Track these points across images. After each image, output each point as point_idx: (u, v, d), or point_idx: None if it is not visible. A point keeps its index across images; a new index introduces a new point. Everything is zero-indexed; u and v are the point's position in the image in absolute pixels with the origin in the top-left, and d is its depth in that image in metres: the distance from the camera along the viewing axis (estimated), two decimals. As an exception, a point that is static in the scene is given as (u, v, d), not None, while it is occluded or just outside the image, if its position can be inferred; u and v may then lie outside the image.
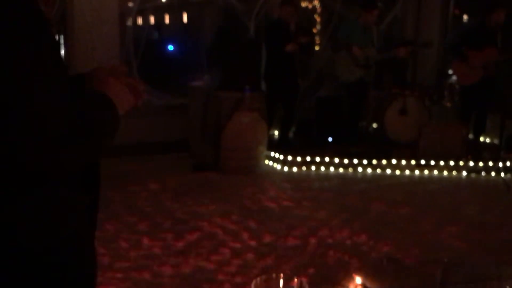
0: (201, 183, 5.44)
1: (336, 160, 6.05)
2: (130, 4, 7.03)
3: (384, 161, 6.03)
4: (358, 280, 1.21)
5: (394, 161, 6.02)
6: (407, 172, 5.99)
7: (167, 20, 11.20)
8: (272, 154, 6.19)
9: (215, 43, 7.20)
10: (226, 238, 4.03)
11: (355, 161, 6.05)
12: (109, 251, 3.70)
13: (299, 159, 6.05)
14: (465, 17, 8.73)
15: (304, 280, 0.81)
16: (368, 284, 1.18)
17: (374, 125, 7.15)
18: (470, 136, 6.44)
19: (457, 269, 1.34)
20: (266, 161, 6.18)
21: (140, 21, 8.81)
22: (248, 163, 5.81)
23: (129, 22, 7.07)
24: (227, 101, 5.82)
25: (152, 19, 10.56)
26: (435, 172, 5.98)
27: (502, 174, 5.89)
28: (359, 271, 1.25)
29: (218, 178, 5.62)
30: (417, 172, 5.98)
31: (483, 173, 5.95)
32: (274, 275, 0.81)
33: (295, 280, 0.81)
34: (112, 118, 1.12)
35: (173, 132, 6.48)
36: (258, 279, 0.81)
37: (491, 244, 3.98)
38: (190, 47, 9.10)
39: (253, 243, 3.96)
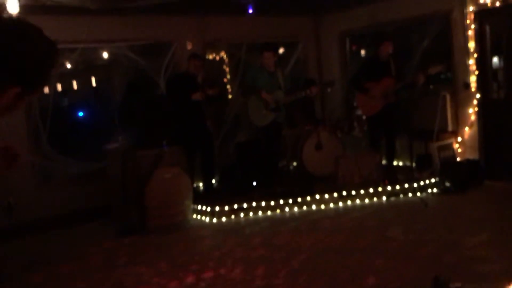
0: (130, 248, 5.24)
1: (263, 203, 6.10)
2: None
3: (308, 198, 6.17)
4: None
5: (317, 196, 6.18)
6: (332, 204, 6.17)
7: (75, 85, 10.94)
8: (199, 207, 6.13)
9: (126, 101, 7.14)
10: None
11: (281, 201, 6.14)
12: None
13: (226, 208, 6.04)
14: (362, 51, 9.36)
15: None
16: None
17: (294, 163, 7.34)
18: (384, 161, 6.79)
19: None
20: (194, 215, 6.10)
21: (46, 89, 8.56)
22: (175, 220, 5.71)
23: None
24: (145, 159, 5.75)
25: (59, 86, 10.27)
26: (357, 201, 6.21)
27: (418, 194, 6.24)
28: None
29: (146, 240, 5.45)
30: (340, 203, 6.18)
31: (401, 195, 6.27)
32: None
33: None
34: None
35: (93, 199, 6.25)
36: None
37: (417, 262, 4.17)
38: (101, 110, 8.94)
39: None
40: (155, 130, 6.24)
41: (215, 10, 7.08)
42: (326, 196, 6.19)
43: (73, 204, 6.18)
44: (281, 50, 8.79)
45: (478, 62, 6.60)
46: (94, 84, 10.62)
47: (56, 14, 5.96)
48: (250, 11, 6.65)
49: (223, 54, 8.40)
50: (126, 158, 5.95)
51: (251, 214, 6.05)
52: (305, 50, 8.65)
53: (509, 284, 3.03)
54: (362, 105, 6.82)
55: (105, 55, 7.63)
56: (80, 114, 9.23)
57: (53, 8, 5.59)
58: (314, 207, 6.14)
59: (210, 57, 8.29)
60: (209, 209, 6.04)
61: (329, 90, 7.48)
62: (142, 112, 6.59)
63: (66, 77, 9.96)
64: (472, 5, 6.52)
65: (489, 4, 6.35)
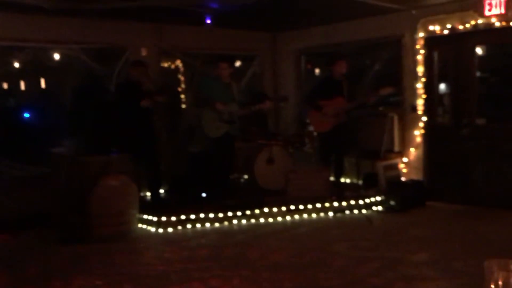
0: (70, 258, 5.05)
1: (211, 215, 6.06)
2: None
3: (257, 211, 6.18)
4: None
5: (266, 210, 6.20)
6: (280, 218, 6.20)
7: (23, 86, 10.56)
8: (145, 216, 6.01)
9: (76, 105, 6.94)
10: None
11: (230, 213, 6.11)
12: None
13: (173, 218, 5.95)
14: (317, 70, 9.55)
15: None
16: None
17: (245, 176, 7.35)
18: (332, 178, 6.90)
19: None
20: (140, 225, 5.97)
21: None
22: (120, 229, 5.57)
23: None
24: (92, 165, 5.60)
25: (5, 86, 9.91)
26: (305, 215, 6.27)
27: (364, 211, 6.38)
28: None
29: (88, 249, 5.27)
30: (288, 217, 6.22)
31: (347, 212, 6.38)
32: None
33: None
34: None
35: (35, 204, 6.01)
36: None
37: (360, 278, 4.24)
38: (49, 113, 8.66)
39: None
40: (104, 136, 6.09)
41: (173, 18, 7.04)
42: (275, 210, 6.22)
43: (13, 209, 5.91)
44: (237, 63, 8.83)
45: (426, 86, 6.88)
46: (43, 85, 10.29)
47: (6, 10, 5.76)
48: (208, 21, 6.65)
49: (178, 62, 8.35)
50: (72, 164, 5.77)
51: (198, 225, 5.99)
52: (262, 65, 8.74)
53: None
54: (314, 122, 6.94)
55: (56, 56, 7.42)
56: (26, 115, 8.89)
57: (2, 3, 5.40)
58: (262, 220, 6.16)
59: (165, 65, 8.23)
60: (155, 219, 5.93)
61: (282, 105, 7.59)
62: (92, 118, 6.42)
63: (13, 77, 9.60)
64: (422, 32, 6.80)
65: (438, 32, 6.64)
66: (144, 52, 7.16)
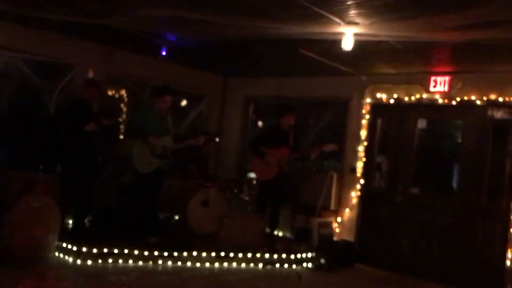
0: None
1: (136, 252, 5.69)
2: None
3: (185, 253, 5.89)
4: None
5: (195, 253, 5.92)
6: (208, 264, 5.93)
7: None
8: (64, 245, 5.55)
9: (6, 116, 6.46)
10: None
11: (156, 253, 5.78)
12: None
13: (94, 250, 5.52)
14: (260, 123, 9.60)
15: None
16: None
17: (177, 216, 7.06)
18: (267, 229, 6.76)
19: None
20: (57, 253, 5.50)
21: None
22: (34, 254, 5.08)
23: None
24: (15, 181, 5.16)
25: None
26: (234, 264, 6.05)
27: (294, 266, 6.25)
28: None
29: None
30: (217, 264, 5.97)
31: (277, 265, 6.23)
32: None
33: None
34: None
35: None
36: None
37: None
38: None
39: None
40: (33, 152, 5.67)
41: (126, 45, 6.88)
42: (204, 254, 5.96)
43: None
44: (184, 102, 8.69)
45: (367, 150, 7.05)
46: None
47: None
48: (164, 53, 6.53)
49: (123, 92, 8.09)
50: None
51: (120, 261, 5.59)
52: (210, 106, 8.67)
53: None
54: (256, 170, 6.86)
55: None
56: None
57: None
58: (189, 264, 5.86)
59: (110, 93, 7.94)
60: (75, 248, 5.49)
61: (217, 140, 7.26)
62: (22, 131, 5.98)
63: None
64: (370, 98, 7.04)
65: (384, 100, 6.90)
66: (90, 74, 6.88)
